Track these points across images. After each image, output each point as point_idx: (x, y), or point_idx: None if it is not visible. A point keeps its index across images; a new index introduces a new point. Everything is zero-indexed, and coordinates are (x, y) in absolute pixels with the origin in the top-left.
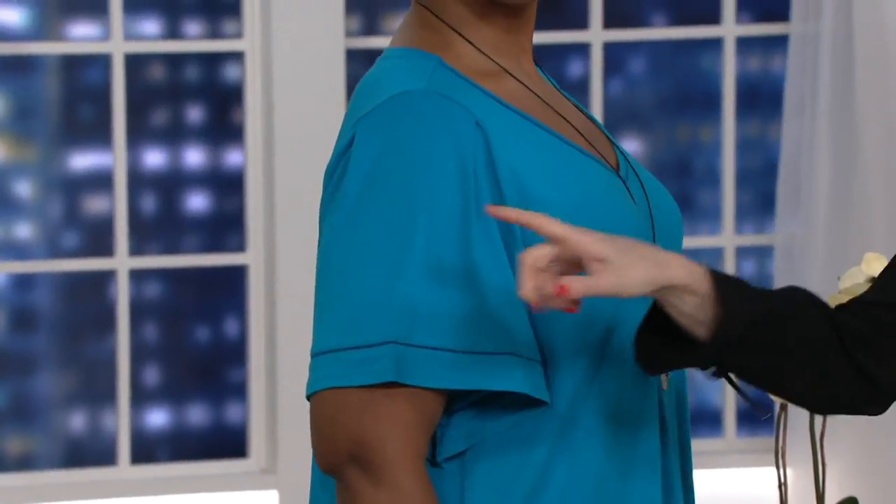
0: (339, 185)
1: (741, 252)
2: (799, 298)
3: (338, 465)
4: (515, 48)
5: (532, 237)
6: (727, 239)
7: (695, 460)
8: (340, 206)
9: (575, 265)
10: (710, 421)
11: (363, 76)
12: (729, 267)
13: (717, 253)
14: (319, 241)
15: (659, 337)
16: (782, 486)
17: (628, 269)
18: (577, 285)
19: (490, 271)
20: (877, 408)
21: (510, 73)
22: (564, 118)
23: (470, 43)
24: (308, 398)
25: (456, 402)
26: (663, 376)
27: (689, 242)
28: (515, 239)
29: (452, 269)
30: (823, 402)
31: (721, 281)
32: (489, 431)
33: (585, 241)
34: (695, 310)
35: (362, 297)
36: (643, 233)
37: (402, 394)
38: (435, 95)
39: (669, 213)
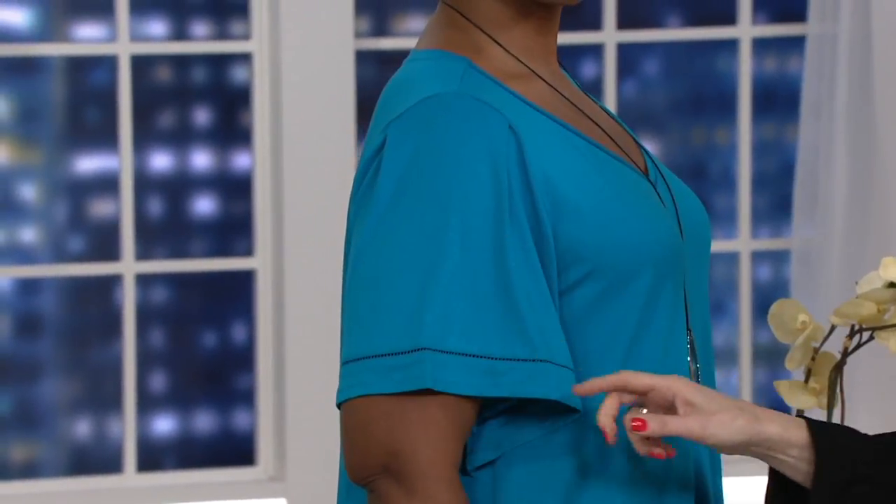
0: (371, 189)
1: (757, 256)
2: None
3: (369, 475)
4: (544, 50)
5: (564, 243)
6: (743, 243)
7: (724, 468)
8: (372, 210)
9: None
10: None
11: (380, 77)
12: (744, 271)
13: (733, 257)
14: (350, 247)
15: (785, 495)
16: None
17: (718, 414)
18: (653, 424)
19: (523, 277)
20: None
21: (539, 76)
22: (593, 121)
23: (499, 44)
24: (338, 406)
25: (486, 409)
26: (696, 380)
27: None
28: (548, 245)
29: (486, 275)
30: None
31: (820, 429)
32: (520, 440)
33: (677, 385)
34: (797, 462)
35: (394, 302)
36: (673, 237)
37: (435, 402)
38: (468, 98)
39: (697, 216)
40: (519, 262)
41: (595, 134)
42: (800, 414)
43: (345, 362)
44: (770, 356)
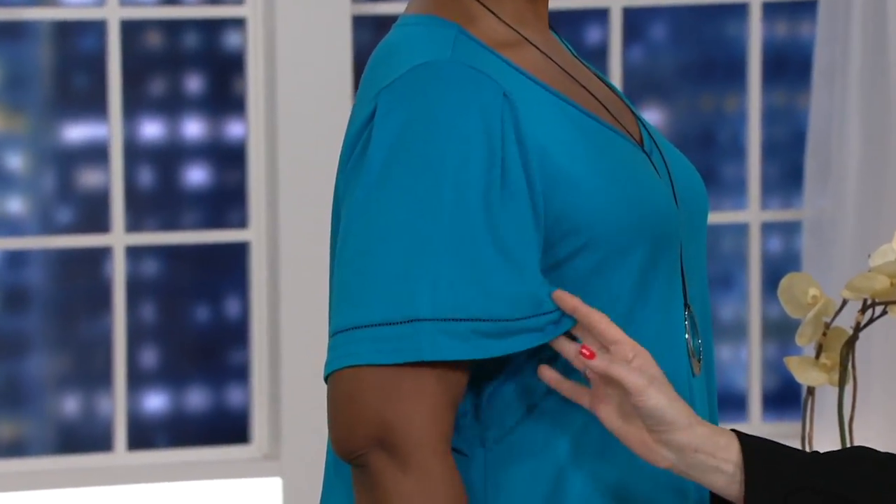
0: (362, 158)
1: (767, 228)
2: (864, 470)
3: (358, 448)
4: (535, 16)
5: (558, 214)
6: (753, 214)
7: None
8: (363, 180)
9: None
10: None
11: (377, 44)
12: (754, 243)
13: (742, 229)
14: (339, 220)
15: None
16: None
17: (663, 387)
18: (600, 360)
19: (517, 245)
20: None
21: (531, 43)
22: (587, 90)
23: (489, 11)
24: (325, 379)
25: (484, 381)
26: (694, 361)
27: (712, 218)
28: (539, 217)
29: (479, 244)
30: None
31: (750, 440)
32: (507, 424)
33: (644, 353)
34: (731, 473)
35: (386, 272)
36: (669, 208)
37: (429, 373)
38: (461, 65)
39: (694, 189)
40: (511, 231)
41: (589, 103)
42: (809, 388)
43: (333, 333)
44: (780, 331)
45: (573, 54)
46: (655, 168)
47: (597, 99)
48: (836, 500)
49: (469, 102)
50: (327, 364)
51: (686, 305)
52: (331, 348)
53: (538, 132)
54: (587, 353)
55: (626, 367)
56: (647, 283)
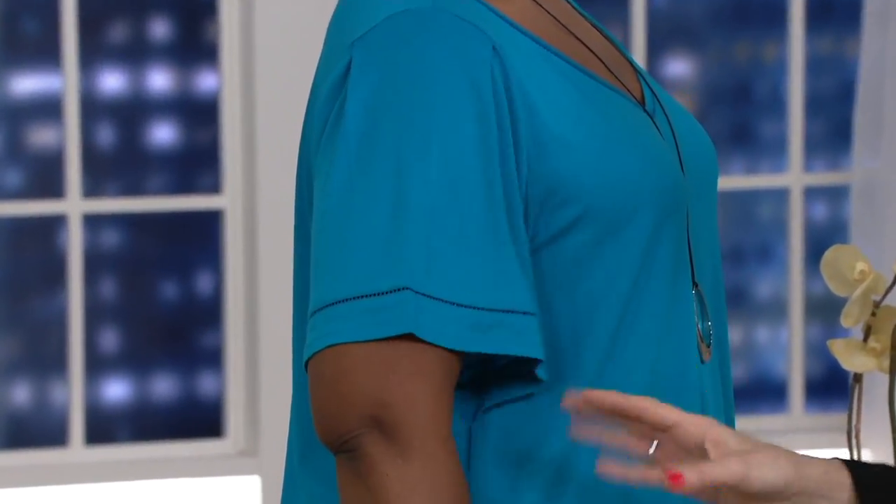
0: (338, 123)
1: (811, 193)
2: None
3: (349, 430)
4: None
5: (550, 182)
6: (794, 177)
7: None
8: (340, 144)
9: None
10: (773, 395)
11: None
12: (795, 211)
13: (782, 194)
14: (307, 192)
15: None
16: None
17: (757, 453)
18: (691, 475)
19: (511, 215)
20: None
21: None
22: (583, 43)
23: None
24: (307, 361)
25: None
26: (704, 346)
27: (749, 182)
28: (521, 186)
29: (470, 212)
30: None
31: (862, 468)
32: (499, 400)
33: (706, 423)
34: None
35: (371, 240)
36: (675, 174)
37: (431, 351)
38: (445, 14)
39: (702, 152)
40: (501, 199)
41: (585, 58)
42: (856, 375)
43: (315, 311)
44: (824, 311)
45: (572, 4)
46: (659, 129)
47: (594, 53)
48: None
49: (455, 55)
50: (309, 344)
51: (694, 283)
52: (311, 329)
53: (528, 90)
54: (677, 480)
55: (718, 466)
56: (650, 260)
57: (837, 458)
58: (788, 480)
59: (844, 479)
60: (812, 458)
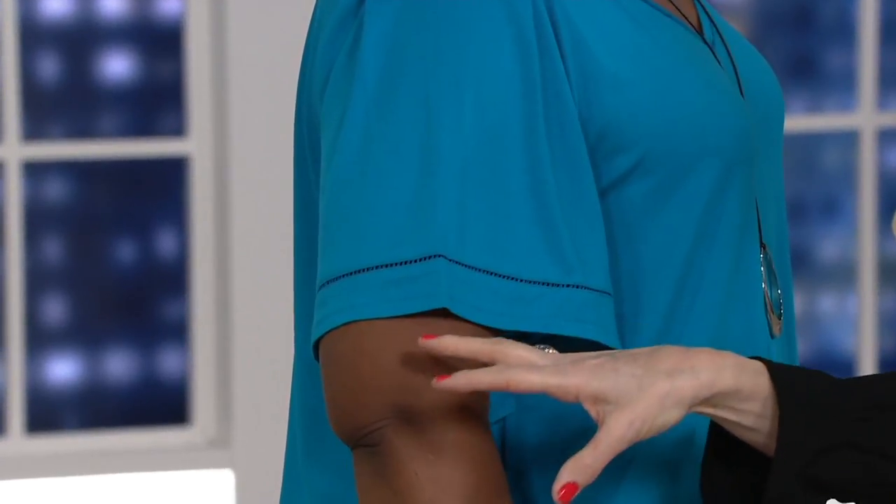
0: (351, 63)
1: (884, 136)
2: None
3: (370, 422)
4: None
5: (601, 126)
6: (865, 118)
7: None
8: (357, 86)
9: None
10: (839, 373)
11: None
12: (866, 157)
13: (850, 137)
14: (323, 136)
15: (728, 467)
16: None
17: (644, 398)
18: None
19: (558, 171)
20: None
21: None
22: None
23: None
24: (315, 345)
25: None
26: (775, 319)
27: (813, 123)
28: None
29: (511, 167)
30: None
31: (783, 375)
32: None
33: (575, 382)
34: (757, 422)
35: (395, 200)
36: (741, 117)
37: (465, 324)
38: None
39: (766, 90)
40: (547, 153)
41: None
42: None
43: (328, 281)
44: None
45: None
46: (720, 63)
47: None
48: (882, 463)
49: None
50: (321, 322)
51: (762, 245)
52: (321, 303)
53: (575, 19)
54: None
55: (607, 437)
56: (714, 217)
57: (759, 359)
58: (684, 397)
59: (763, 383)
60: (718, 360)
